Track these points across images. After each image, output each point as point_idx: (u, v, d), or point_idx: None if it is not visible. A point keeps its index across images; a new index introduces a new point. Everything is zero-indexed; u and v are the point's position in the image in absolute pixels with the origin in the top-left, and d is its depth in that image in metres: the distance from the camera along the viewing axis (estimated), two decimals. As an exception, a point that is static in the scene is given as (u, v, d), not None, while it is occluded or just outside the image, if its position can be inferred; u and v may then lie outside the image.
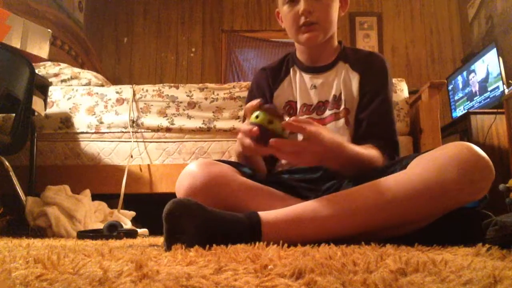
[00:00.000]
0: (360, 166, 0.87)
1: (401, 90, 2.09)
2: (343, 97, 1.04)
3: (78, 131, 2.10)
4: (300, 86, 1.09)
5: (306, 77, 1.10)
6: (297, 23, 1.01)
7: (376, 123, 1.01)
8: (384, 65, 1.06)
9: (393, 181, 0.74)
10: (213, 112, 2.10)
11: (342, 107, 1.04)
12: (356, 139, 1.00)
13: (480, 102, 3.11)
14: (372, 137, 0.98)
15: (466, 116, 2.83)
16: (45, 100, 1.95)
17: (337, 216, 0.73)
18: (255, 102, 0.79)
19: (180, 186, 0.82)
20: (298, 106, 1.08)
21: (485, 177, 0.71)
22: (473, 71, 3.23)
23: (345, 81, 1.05)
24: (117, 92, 2.16)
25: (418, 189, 0.71)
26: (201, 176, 0.81)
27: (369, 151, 0.90)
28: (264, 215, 0.72)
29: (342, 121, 1.03)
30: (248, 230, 0.70)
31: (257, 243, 0.64)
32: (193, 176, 0.81)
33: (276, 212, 0.74)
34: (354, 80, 1.04)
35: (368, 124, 1.01)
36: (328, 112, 1.05)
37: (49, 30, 2.03)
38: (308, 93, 1.08)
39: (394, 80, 2.02)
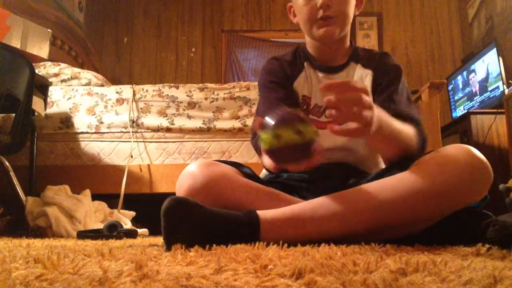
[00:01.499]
0: (400, 145, 0.82)
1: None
2: None
3: (78, 131, 2.10)
4: (315, 84, 1.06)
5: (320, 75, 1.06)
6: (314, 16, 0.97)
7: (393, 105, 0.95)
8: (396, 64, 1.05)
9: (393, 182, 0.74)
10: (213, 112, 2.10)
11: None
12: None
13: (480, 102, 3.11)
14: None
15: (466, 116, 2.83)
16: (45, 100, 1.95)
17: (336, 216, 0.73)
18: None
19: (180, 187, 0.82)
20: (312, 104, 1.05)
21: (484, 180, 0.72)
22: (473, 71, 3.23)
23: (358, 80, 1.03)
24: (117, 92, 2.16)
25: (417, 191, 0.71)
26: (201, 177, 0.80)
27: (407, 128, 0.84)
28: (263, 213, 0.72)
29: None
30: (247, 228, 0.70)
31: (257, 243, 0.64)
32: (193, 177, 0.81)
33: (274, 211, 0.74)
34: (367, 78, 1.03)
35: (385, 107, 0.97)
36: None
37: (49, 30, 2.03)
38: (320, 94, 1.04)
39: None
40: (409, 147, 0.85)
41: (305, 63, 1.08)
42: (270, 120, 0.65)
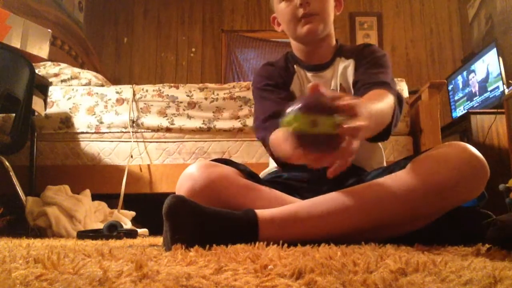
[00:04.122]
0: (385, 122, 0.83)
1: (401, 90, 2.09)
2: (338, 87, 1.05)
3: (78, 131, 2.10)
4: (306, 84, 1.08)
5: (308, 75, 1.10)
6: (296, 16, 1.00)
7: (372, 74, 0.97)
8: (378, 50, 1.06)
9: (390, 180, 0.75)
10: (213, 112, 2.10)
11: None
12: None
13: (480, 102, 3.11)
14: (371, 86, 0.94)
15: (466, 116, 2.83)
16: (45, 100, 1.95)
17: (333, 214, 0.73)
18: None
19: (180, 189, 0.82)
20: None
21: (480, 176, 0.72)
22: (473, 71, 3.23)
23: (342, 72, 1.06)
24: (117, 92, 2.16)
25: (414, 188, 0.72)
26: (200, 179, 0.80)
27: (382, 100, 0.84)
28: (261, 212, 0.73)
29: None
30: (245, 226, 0.70)
31: (257, 243, 0.64)
32: (193, 179, 0.81)
33: (273, 210, 0.75)
34: (350, 67, 1.05)
35: (363, 80, 0.98)
36: None
37: (49, 30, 2.03)
38: None
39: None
40: (391, 117, 0.87)
41: (295, 66, 1.11)
42: (306, 103, 0.59)
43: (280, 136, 0.84)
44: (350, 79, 1.04)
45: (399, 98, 0.94)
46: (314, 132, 0.56)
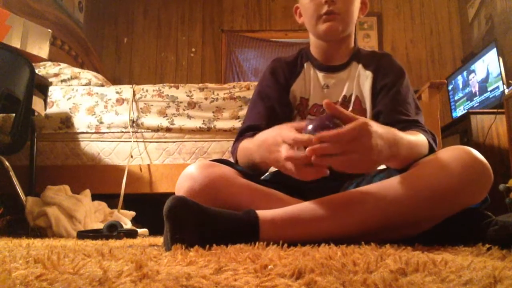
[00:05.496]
0: (417, 157, 0.80)
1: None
2: (352, 98, 1.03)
3: (78, 131, 2.10)
4: (314, 84, 1.07)
5: (320, 75, 1.07)
6: (318, 12, 0.99)
7: (394, 109, 0.96)
8: (397, 64, 1.05)
9: (393, 183, 0.74)
10: (213, 112, 2.10)
11: (350, 108, 1.02)
12: None
13: (480, 102, 3.11)
14: (396, 125, 0.91)
15: (466, 116, 2.83)
16: (45, 100, 1.95)
17: (335, 216, 0.73)
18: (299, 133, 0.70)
19: (180, 189, 0.82)
20: (310, 104, 1.05)
21: (483, 181, 0.71)
22: (473, 71, 3.23)
23: (358, 81, 1.04)
24: (117, 92, 2.16)
25: (417, 192, 0.71)
26: (200, 179, 0.80)
27: (418, 137, 0.83)
28: (262, 213, 0.73)
29: None
30: (246, 227, 0.70)
31: (257, 243, 0.64)
32: (193, 179, 0.81)
33: (274, 211, 0.74)
34: (368, 80, 1.03)
35: (386, 113, 0.97)
36: None
37: (49, 30, 2.03)
38: (320, 93, 1.05)
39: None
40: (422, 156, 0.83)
41: (305, 64, 1.09)
42: (310, 126, 0.68)
43: (248, 146, 0.90)
44: (367, 92, 1.02)
45: (433, 137, 0.91)
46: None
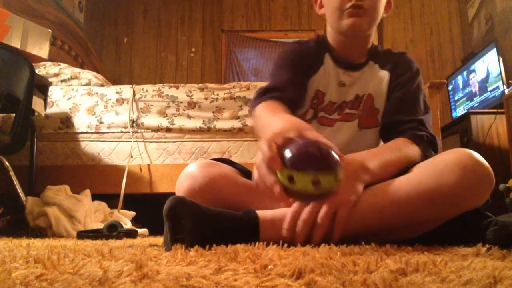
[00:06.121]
0: (394, 173, 0.80)
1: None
2: (365, 97, 1.01)
3: (78, 131, 2.11)
4: (332, 79, 1.02)
5: (337, 70, 1.03)
6: (343, 6, 0.94)
7: (401, 109, 0.95)
8: (413, 64, 1.03)
9: (392, 186, 0.74)
10: (213, 112, 2.10)
11: (360, 107, 1.01)
12: (385, 134, 0.98)
13: (480, 102, 3.11)
14: (399, 125, 0.93)
15: (466, 116, 2.83)
16: (45, 100, 1.96)
17: (333, 218, 0.73)
18: (275, 160, 0.57)
19: (180, 188, 0.82)
20: (326, 100, 1.02)
21: (485, 184, 0.70)
22: (473, 71, 3.23)
23: (374, 81, 1.02)
24: (117, 92, 2.16)
25: (418, 194, 0.70)
26: (200, 178, 0.80)
27: (400, 153, 0.84)
28: (262, 213, 0.73)
29: (352, 123, 1.00)
30: (246, 227, 0.70)
31: (257, 243, 0.64)
32: (192, 178, 0.81)
33: (274, 211, 0.74)
34: (384, 80, 1.01)
35: (389, 112, 0.97)
36: (344, 112, 1.01)
37: (49, 30, 2.03)
38: (336, 90, 1.02)
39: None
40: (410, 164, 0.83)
41: (325, 55, 1.04)
42: (289, 154, 0.56)
43: (262, 115, 0.84)
44: (383, 92, 1.01)
45: (432, 142, 0.90)
46: (316, 193, 0.54)
